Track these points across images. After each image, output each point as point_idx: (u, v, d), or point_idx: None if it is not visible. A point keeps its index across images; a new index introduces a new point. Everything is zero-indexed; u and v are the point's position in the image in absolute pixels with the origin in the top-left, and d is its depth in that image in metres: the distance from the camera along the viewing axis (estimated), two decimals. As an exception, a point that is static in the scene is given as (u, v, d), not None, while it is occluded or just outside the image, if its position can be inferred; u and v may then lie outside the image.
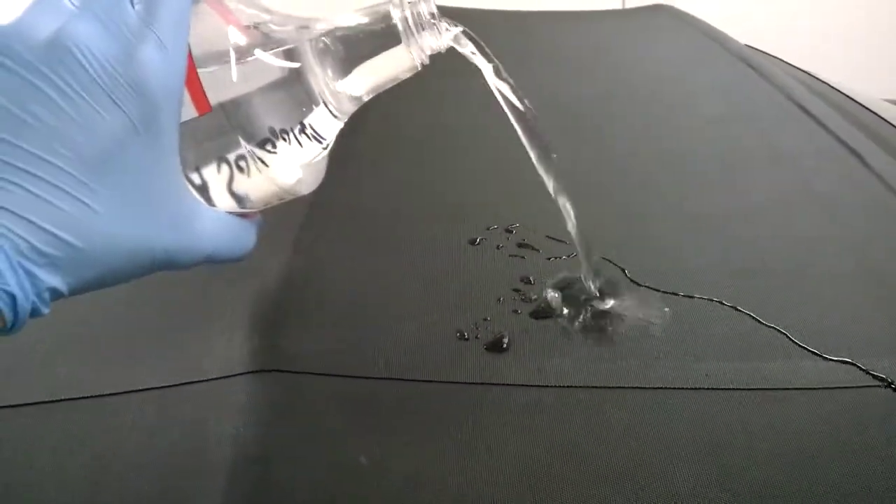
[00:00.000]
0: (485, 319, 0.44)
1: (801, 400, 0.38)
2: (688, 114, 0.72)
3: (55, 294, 0.23)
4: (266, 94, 0.29)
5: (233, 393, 0.39)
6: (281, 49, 0.29)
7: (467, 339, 0.42)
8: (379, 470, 0.35)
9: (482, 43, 0.35)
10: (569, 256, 0.49)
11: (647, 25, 0.97)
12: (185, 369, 0.41)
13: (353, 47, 0.31)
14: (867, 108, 0.78)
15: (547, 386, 0.39)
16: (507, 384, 0.39)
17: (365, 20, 0.31)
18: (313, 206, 0.55)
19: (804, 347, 0.41)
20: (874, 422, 0.36)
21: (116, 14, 0.24)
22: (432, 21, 0.31)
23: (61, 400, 0.40)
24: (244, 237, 0.30)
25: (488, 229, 0.52)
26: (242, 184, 0.29)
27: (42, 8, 0.23)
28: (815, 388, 0.38)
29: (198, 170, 0.28)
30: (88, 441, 0.38)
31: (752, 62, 0.81)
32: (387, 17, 0.31)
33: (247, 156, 0.28)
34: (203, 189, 0.28)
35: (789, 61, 0.95)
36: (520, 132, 0.38)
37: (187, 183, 0.27)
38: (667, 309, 0.44)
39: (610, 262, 0.48)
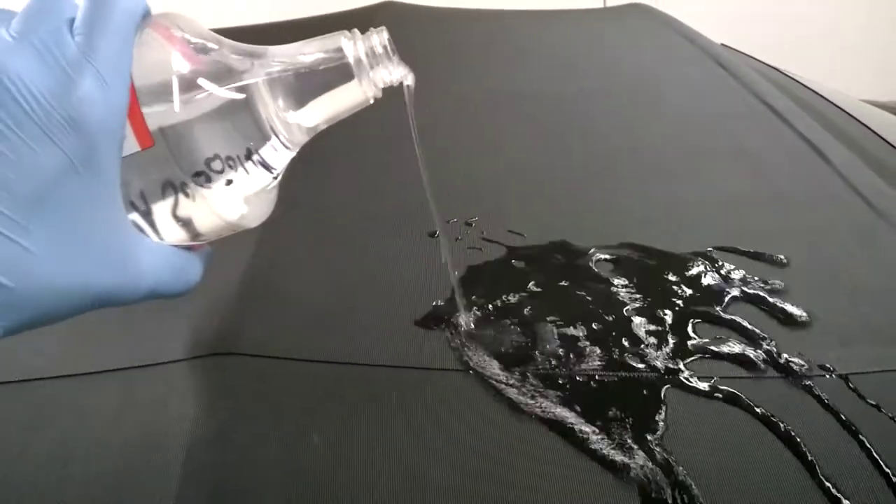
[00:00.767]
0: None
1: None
2: (656, 111, 0.73)
3: None
4: (211, 124, 0.28)
5: (196, 375, 0.40)
6: (230, 78, 0.28)
7: (430, 328, 0.43)
8: (335, 450, 0.36)
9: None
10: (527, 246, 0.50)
11: (623, 24, 0.98)
12: (149, 351, 0.42)
13: (306, 81, 0.30)
14: (835, 105, 0.79)
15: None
16: (467, 370, 0.40)
17: (319, 55, 0.30)
18: (279, 201, 0.55)
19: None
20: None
21: (54, 45, 0.22)
22: (386, 55, 0.31)
23: (27, 380, 0.41)
24: (188, 271, 0.29)
25: (448, 223, 0.54)
26: (186, 208, 0.28)
27: None
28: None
29: (143, 196, 0.27)
30: (55, 420, 0.39)
31: (722, 61, 0.82)
32: (339, 50, 0.30)
33: (189, 184, 0.27)
34: (147, 214, 0.28)
35: (767, 60, 0.97)
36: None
37: (129, 217, 0.26)
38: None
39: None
